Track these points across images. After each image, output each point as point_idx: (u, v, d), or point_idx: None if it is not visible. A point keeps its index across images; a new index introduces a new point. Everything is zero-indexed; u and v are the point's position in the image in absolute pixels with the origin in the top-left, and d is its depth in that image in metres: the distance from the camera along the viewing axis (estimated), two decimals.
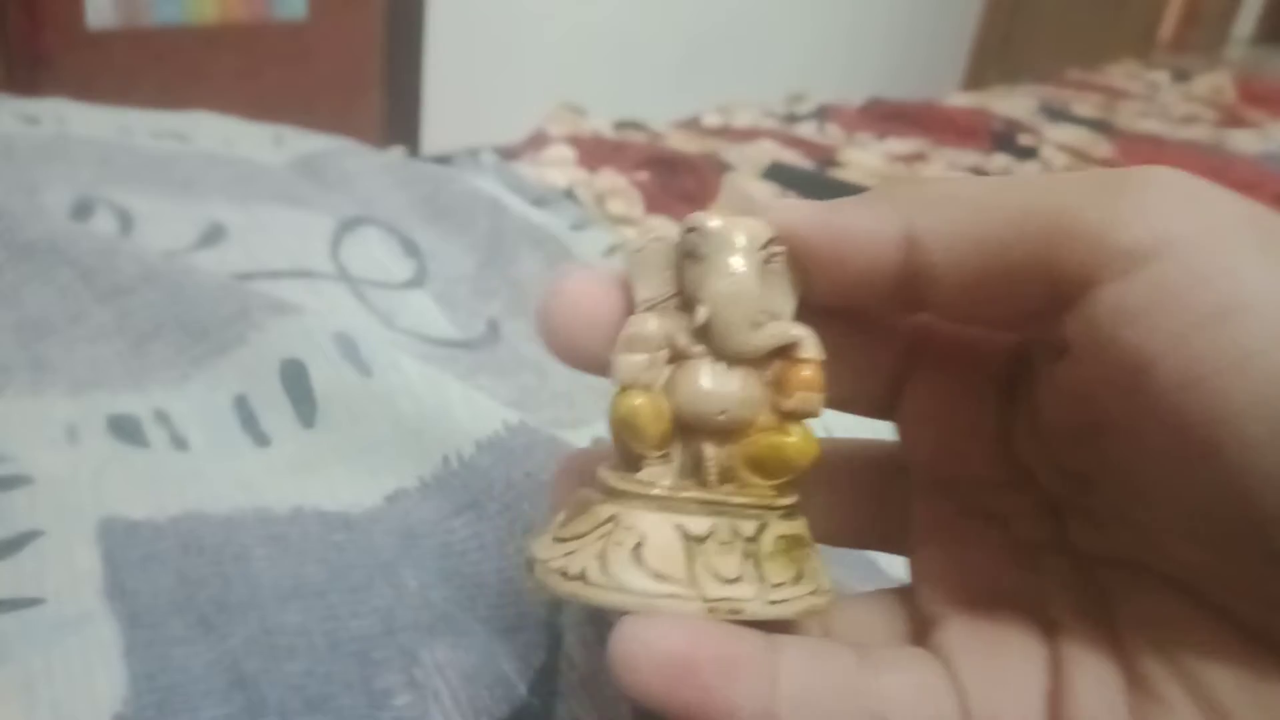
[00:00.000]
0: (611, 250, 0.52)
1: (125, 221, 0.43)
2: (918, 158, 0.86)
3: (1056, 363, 0.17)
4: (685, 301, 0.18)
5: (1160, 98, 1.25)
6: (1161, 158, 0.90)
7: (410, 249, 0.47)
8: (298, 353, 0.33)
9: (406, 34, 1.75)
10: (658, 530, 0.17)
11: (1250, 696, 0.16)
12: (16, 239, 0.37)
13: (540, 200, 0.57)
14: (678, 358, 0.18)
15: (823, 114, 0.98)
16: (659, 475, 0.18)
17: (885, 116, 0.99)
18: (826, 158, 0.81)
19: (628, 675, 0.16)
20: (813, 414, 0.18)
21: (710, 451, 0.18)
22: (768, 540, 0.18)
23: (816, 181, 0.74)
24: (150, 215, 0.44)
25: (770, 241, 0.18)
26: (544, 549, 0.18)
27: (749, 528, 0.18)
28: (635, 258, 0.19)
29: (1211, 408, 0.14)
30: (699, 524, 0.17)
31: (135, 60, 1.47)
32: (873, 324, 0.20)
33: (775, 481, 0.18)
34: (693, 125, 0.90)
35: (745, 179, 0.71)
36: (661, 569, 0.17)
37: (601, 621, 0.26)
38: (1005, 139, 0.93)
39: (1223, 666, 0.16)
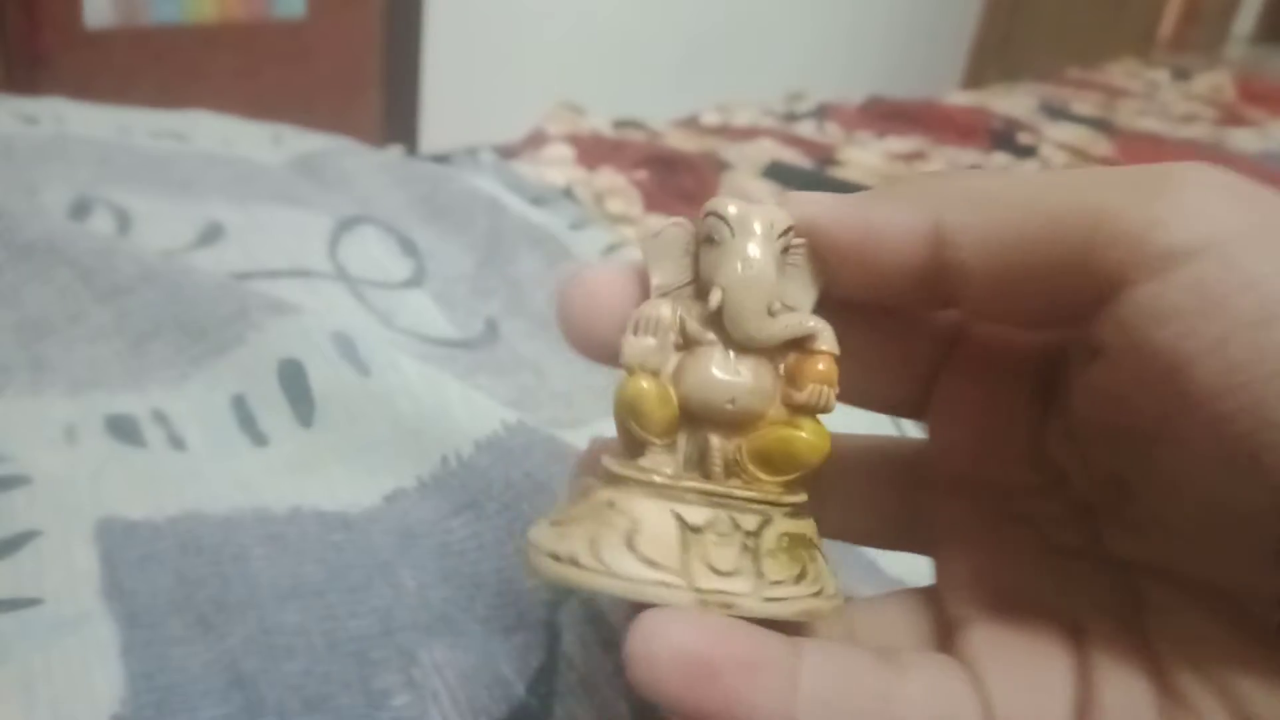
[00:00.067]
0: (610, 249, 0.52)
1: (124, 221, 0.43)
2: (917, 156, 0.86)
3: (1090, 364, 0.16)
4: (700, 288, 0.18)
5: (1160, 96, 1.25)
6: (1161, 156, 0.90)
7: (408, 248, 0.47)
8: (296, 352, 0.33)
9: (405, 33, 1.75)
10: (654, 517, 0.17)
11: None
12: (15, 239, 0.37)
13: (539, 199, 0.57)
14: (689, 345, 0.18)
15: (822, 113, 0.98)
16: (662, 463, 0.17)
17: (885, 115, 0.99)
18: (826, 156, 0.81)
19: (643, 673, 0.15)
20: (825, 409, 0.18)
21: (716, 442, 0.17)
22: (770, 536, 0.17)
23: (816, 180, 0.74)
24: (149, 215, 0.44)
25: (789, 231, 0.17)
26: (538, 533, 0.18)
27: (750, 522, 0.17)
28: (652, 243, 0.18)
29: (1252, 414, 0.13)
30: (698, 514, 0.17)
31: (134, 60, 1.47)
32: (902, 320, 0.20)
33: (783, 478, 0.17)
34: (692, 124, 0.90)
35: (745, 178, 0.71)
36: (653, 556, 0.16)
37: (601, 622, 0.26)
38: (1005, 138, 0.93)
39: (1259, 679, 0.15)
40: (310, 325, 0.34)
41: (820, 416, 0.18)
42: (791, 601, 0.17)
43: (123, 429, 0.31)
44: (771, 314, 0.17)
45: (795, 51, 2.33)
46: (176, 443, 0.31)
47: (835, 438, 0.22)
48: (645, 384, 0.17)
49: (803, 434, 0.17)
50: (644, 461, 0.18)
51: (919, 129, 0.94)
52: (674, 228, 0.18)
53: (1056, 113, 1.07)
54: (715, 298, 0.17)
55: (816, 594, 0.17)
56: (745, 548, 0.17)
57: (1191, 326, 0.14)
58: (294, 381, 0.33)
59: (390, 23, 1.73)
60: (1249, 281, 0.14)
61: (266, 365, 0.33)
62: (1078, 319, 0.16)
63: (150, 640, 0.24)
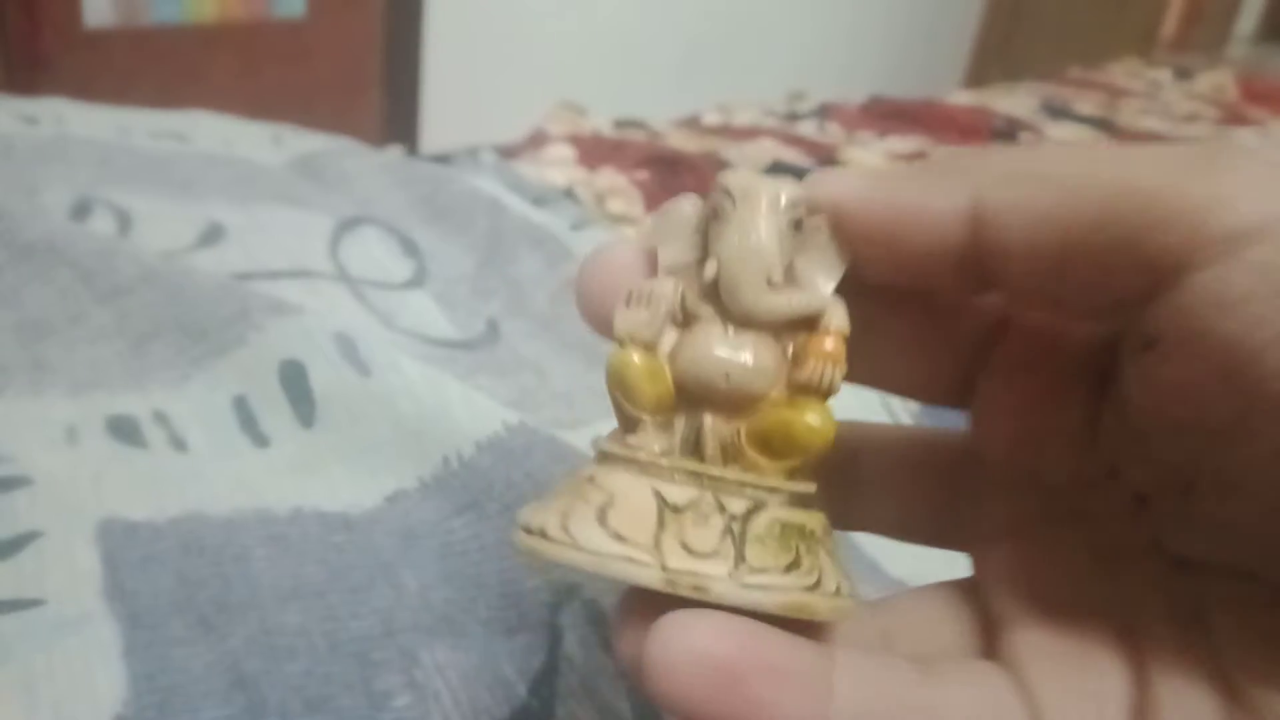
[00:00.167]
0: None
1: (124, 222, 0.43)
2: (919, 156, 0.86)
3: (1145, 354, 0.15)
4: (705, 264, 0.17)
5: (1162, 96, 1.25)
6: None
7: (409, 249, 0.47)
8: (297, 353, 0.33)
9: (405, 33, 1.75)
10: (632, 493, 0.16)
11: None
12: (16, 240, 0.37)
13: (540, 200, 0.57)
14: (690, 321, 0.17)
15: (823, 112, 0.98)
16: (651, 442, 0.17)
17: (886, 115, 0.99)
18: (827, 156, 0.81)
19: (663, 681, 0.14)
20: (830, 389, 0.16)
21: (709, 422, 0.16)
22: (760, 523, 0.16)
23: None
24: (149, 215, 0.44)
25: (799, 205, 0.16)
26: (522, 510, 0.17)
27: (738, 505, 0.16)
28: (662, 221, 0.17)
29: None
30: (680, 493, 0.16)
31: (134, 60, 1.47)
32: (942, 305, 0.19)
33: (784, 463, 0.16)
34: (693, 124, 0.90)
35: None
36: (623, 530, 0.15)
37: (603, 623, 0.26)
38: (1006, 137, 0.93)
39: None
40: (311, 326, 0.34)
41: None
42: (775, 591, 0.15)
43: (124, 430, 0.31)
44: (772, 286, 0.16)
45: (795, 51, 2.33)
46: (178, 443, 0.31)
47: (869, 428, 0.21)
48: (633, 356, 0.16)
49: (803, 416, 0.16)
50: (632, 439, 0.17)
51: (920, 129, 0.94)
52: (683, 204, 0.17)
53: (1058, 112, 1.07)
54: (711, 268, 0.16)
55: (810, 588, 0.16)
56: (728, 531, 0.16)
57: (1260, 314, 0.13)
58: (295, 382, 0.33)
59: (391, 22, 1.73)
60: None
61: (268, 366, 0.33)
62: (1130, 306, 0.15)
63: (152, 641, 0.24)
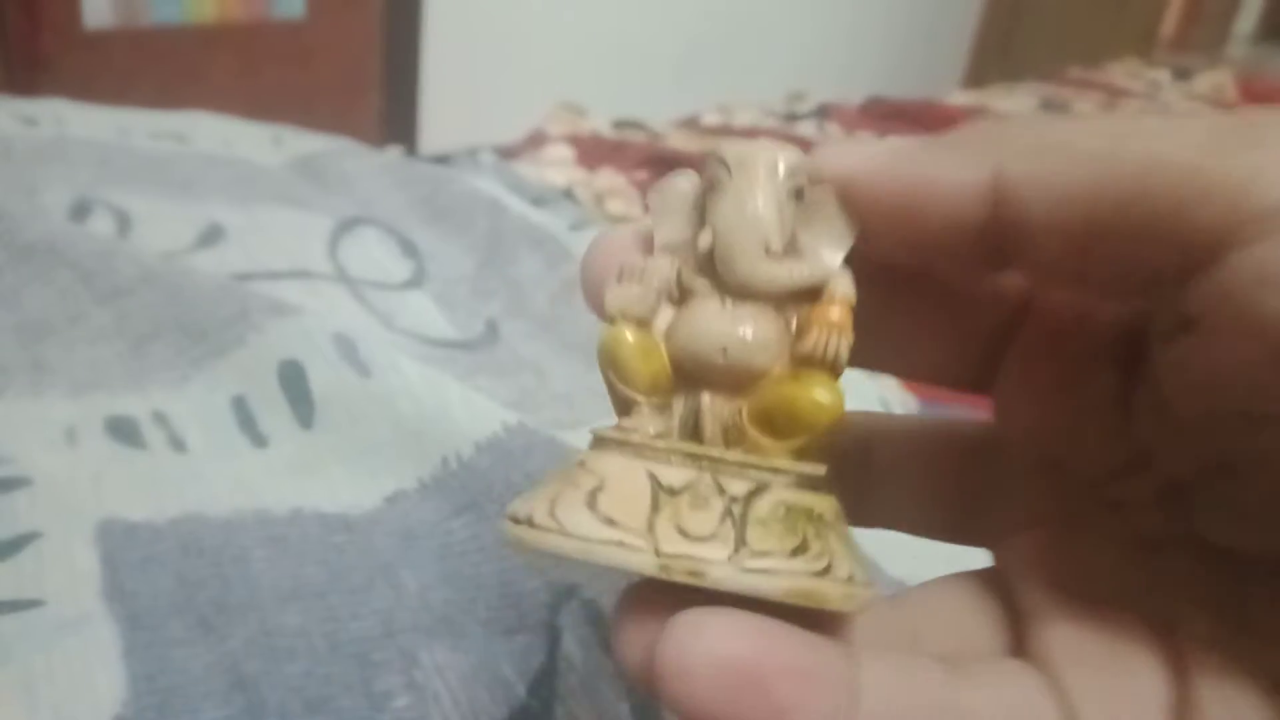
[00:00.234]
0: None
1: (124, 222, 0.43)
2: None
3: (1181, 335, 0.14)
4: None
5: (1161, 96, 1.25)
6: None
7: (409, 249, 0.47)
8: (296, 354, 0.33)
9: (405, 33, 1.75)
10: (624, 475, 0.15)
11: None
12: (16, 241, 0.37)
13: (539, 200, 0.57)
14: (686, 297, 0.16)
15: (823, 113, 0.98)
16: (647, 423, 0.16)
17: (885, 115, 0.99)
18: None
19: (679, 686, 0.13)
20: (836, 361, 0.15)
21: (708, 401, 0.16)
22: (764, 505, 0.15)
23: None
24: (149, 216, 0.44)
25: (799, 173, 0.16)
26: (514, 501, 0.16)
27: (739, 488, 0.15)
28: (658, 198, 0.17)
29: None
30: (676, 475, 0.15)
31: (133, 60, 1.47)
32: (961, 284, 0.18)
33: (789, 443, 0.15)
34: (692, 124, 0.90)
35: None
36: (614, 514, 0.14)
37: (602, 623, 0.26)
38: None
39: None
40: (311, 326, 0.34)
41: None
42: (780, 576, 0.14)
43: (123, 430, 0.31)
44: (771, 256, 0.15)
45: (795, 51, 2.33)
46: (177, 444, 0.31)
47: (880, 418, 0.20)
48: (626, 333, 0.16)
49: (809, 391, 0.15)
50: (626, 421, 0.16)
51: (920, 129, 0.94)
52: (679, 180, 0.17)
53: (1058, 112, 1.07)
54: (706, 238, 0.15)
55: (820, 574, 0.14)
56: (728, 514, 0.14)
57: None
58: (294, 383, 0.33)
59: (390, 23, 1.73)
60: None
61: (267, 366, 0.33)
62: (1162, 285, 0.14)
63: (151, 642, 0.24)
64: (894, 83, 1.76)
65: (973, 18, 2.75)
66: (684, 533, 0.14)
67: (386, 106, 1.78)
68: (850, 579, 0.15)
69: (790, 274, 0.15)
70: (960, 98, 1.15)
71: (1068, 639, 0.16)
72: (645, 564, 0.14)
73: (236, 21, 1.57)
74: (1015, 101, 1.11)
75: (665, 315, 0.16)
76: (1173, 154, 0.13)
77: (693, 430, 0.16)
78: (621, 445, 0.15)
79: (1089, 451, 0.17)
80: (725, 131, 0.87)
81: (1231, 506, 0.16)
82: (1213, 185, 0.13)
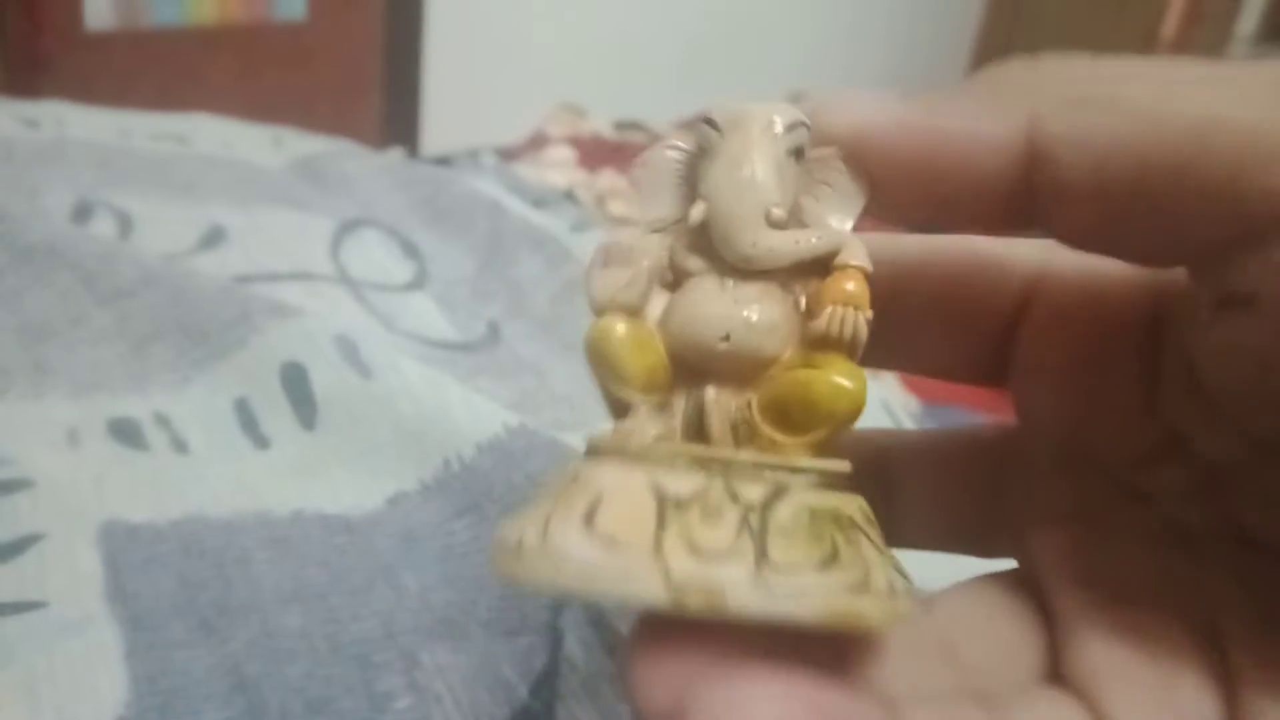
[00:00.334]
0: None
1: (125, 224, 0.43)
2: None
3: (1227, 312, 0.13)
4: None
5: None
6: None
7: (410, 251, 0.47)
8: (298, 355, 0.33)
9: (406, 35, 1.75)
10: (624, 487, 0.13)
11: None
12: (17, 242, 0.37)
13: (540, 201, 0.57)
14: (680, 280, 0.14)
15: None
16: (646, 426, 0.14)
17: None
18: None
19: None
20: (854, 339, 0.13)
21: (712, 395, 0.14)
22: (784, 510, 0.13)
23: None
24: (150, 218, 0.44)
25: (798, 129, 0.14)
26: (504, 522, 0.14)
27: (755, 492, 0.13)
28: (643, 171, 0.15)
29: None
30: (683, 483, 0.13)
31: (134, 62, 1.47)
32: (968, 267, 0.17)
33: (807, 438, 0.13)
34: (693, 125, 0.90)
35: None
36: (616, 534, 0.12)
37: (604, 625, 0.26)
38: None
39: None
40: (312, 328, 0.34)
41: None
42: (813, 597, 0.12)
43: (125, 432, 0.31)
44: (773, 224, 0.13)
45: (795, 51, 2.33)
46: (179, 446, 0.31)
47: (895, 434, 0.19)
48: (614, 325, 0.14)
49: (826, 375, 0.13)
50: (623, 425, 0.14)
51: None
52: (664, 150, 0.15)
53: None
54: (698, 210, 0.14)
55: (857, 588, 0.12)
56: (745, 524, 0.12)
57: None
58: (296, 384, 0.33)
59: (391, 25, 1.74)
60: None
61: (269, 368, 0.33)
62: (1211, 256, 0.13)
63: (153, 643, 0.24)
64: (895, 83, 1.76)
65: (974, 18, 2.75)
66: (696, 550, 0.12)
67: (387, 108, 1.79)
68: (889, 590, 0.13)
69: (796, 244, 0.14)
70: None
71: (1108, 655, 0.15)
72: (656, 595, 0.12)
73: (237, 23, 1.57)
74: None
75: (659, 301, 0.14)
76: (1232, 113, 0.12)
77: (697, 430, 0.14)
78: (619, 453, 0.13)
79: (1112, 436, 0.16)
80: None
81: (1272, 494, 0.14)
82: (1277, 148, 0.11)
